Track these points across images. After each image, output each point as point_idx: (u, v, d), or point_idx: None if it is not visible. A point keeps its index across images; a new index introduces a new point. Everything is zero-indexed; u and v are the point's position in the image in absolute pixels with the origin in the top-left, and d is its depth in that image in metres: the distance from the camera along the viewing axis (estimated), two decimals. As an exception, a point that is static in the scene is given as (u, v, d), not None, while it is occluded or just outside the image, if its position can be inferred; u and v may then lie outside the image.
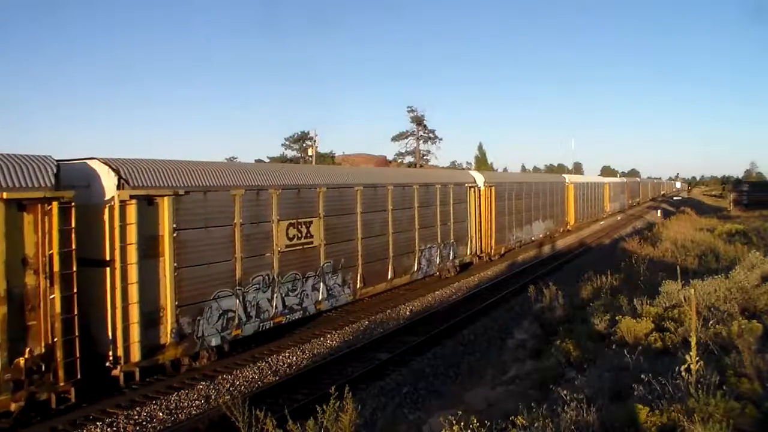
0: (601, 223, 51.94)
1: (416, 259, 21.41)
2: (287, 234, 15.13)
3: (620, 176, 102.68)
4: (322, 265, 16.38)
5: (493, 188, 27.70)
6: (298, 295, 15.52)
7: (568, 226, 42.74)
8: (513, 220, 30.91)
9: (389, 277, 19.76)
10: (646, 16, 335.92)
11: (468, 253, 25.65)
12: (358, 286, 18.02)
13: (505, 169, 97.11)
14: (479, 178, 27.31)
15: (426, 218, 22.23)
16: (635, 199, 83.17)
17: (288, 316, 15.15)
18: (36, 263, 9.72)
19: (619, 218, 58.09)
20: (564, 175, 48.75)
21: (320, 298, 16.30)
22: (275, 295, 14.64)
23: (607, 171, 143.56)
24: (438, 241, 22.95)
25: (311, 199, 16.09)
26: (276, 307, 14.65)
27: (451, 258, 24.01)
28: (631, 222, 53.30)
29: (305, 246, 15.81)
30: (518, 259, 29.84)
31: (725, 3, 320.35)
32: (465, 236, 25.41)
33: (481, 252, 26.98)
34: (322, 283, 16.34)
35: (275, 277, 14.65)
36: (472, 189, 26.20)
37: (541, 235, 36.07)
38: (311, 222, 15.98)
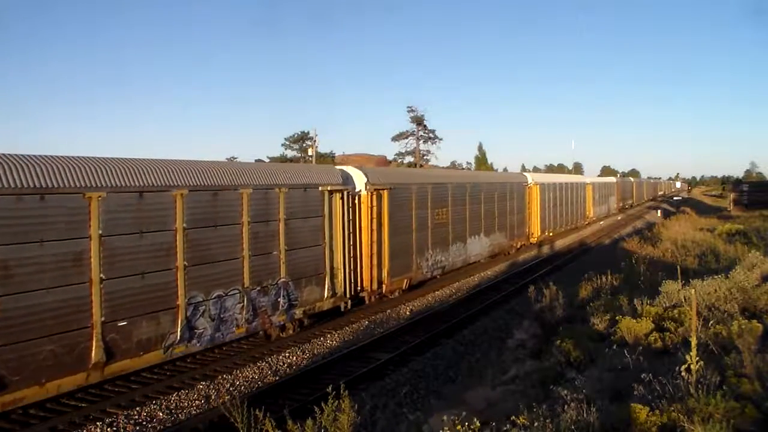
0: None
1: (180, 319, 11.93)
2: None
3: (620, 176, 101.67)
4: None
5: (384, 192, 18.81)
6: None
7: (532, 239, 34.11)
8: (428, 237, 21.78)
9: (90, 365, 10.34)
10: (646, 16, 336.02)
11: (327, 295, 16.09)
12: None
13: (505, 169, 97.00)
14: (356, 178, 18.09)
15: (213, 248, 12.72)
16: (627, 202, 73.42)
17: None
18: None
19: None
20: (526, 173, 38.56)
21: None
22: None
23: (607, 171, 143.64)
24: (244, 282, 13.48)
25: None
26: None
27: (283, 308, 14.65)
28: (631, 222, 53.24)
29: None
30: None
31: (725, 3, 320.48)
32: (320, 268, 15.86)
33: (361, 289, 18.05)
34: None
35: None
36: (339, 195, 16.57)
37: (485, 254, 27.43)
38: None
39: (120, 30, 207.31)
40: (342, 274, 16.70)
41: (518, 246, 32.07)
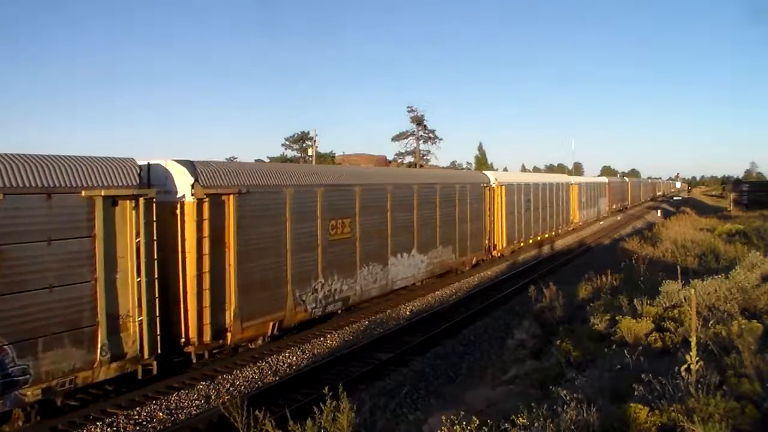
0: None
1: None
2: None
3: (620, 176, 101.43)
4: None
5: (229, 198, 12.99)
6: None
7: (495, 252, 28.14)
8: (318, 259, 15.70)
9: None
10: (646, 16, 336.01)
11: (102, 359, 10.48)
12: None
13: (505, 169, 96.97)
14: (177, 177, 12.30)
15: None
16: (622, 203, 66.94)
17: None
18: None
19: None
20: (488, 172, 31.90)
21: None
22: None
23: (607, 171, 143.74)
24: None
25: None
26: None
27: None
28: (630, 222, 53.24)
29: None
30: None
31: (725, 3, 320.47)
32: (83, 318, 10.25)
33: (185, 342, 12.31)
34: None
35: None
36: (130, 204, 10.94)
37: (421, 276, 21.44)
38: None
39: (120, 30, 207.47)
40: (137, 324, 11.00)
41: (474, 262, 25.75)
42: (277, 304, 14.40)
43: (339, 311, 17.01)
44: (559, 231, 38.90)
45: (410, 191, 20.75)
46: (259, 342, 14.08)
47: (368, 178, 19.40)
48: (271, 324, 14.22)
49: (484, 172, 32.21)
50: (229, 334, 13.11)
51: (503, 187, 28.82)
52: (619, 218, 57.25)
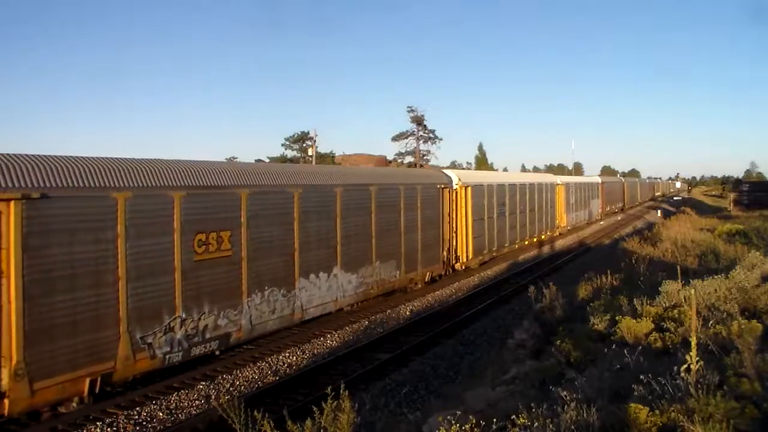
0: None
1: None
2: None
3: (620, 176, 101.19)
4: None
5: (20, 209, 9.31)
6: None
7: (458, 265, 24.15)
8: (176, 288, 11.96)
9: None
10: (645, 16, 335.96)
11: None
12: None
13: (505, 169, 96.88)
14: None
15: None
16: (616, 205, 62.75)
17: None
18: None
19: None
20: (449, 170, 27.51)
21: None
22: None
23: (607, 171, 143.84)
24: None
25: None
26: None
27: None
28: (630, 222, 53.23)
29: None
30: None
31: (725, 3, 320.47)
32: None
33: None
34: None
35: None
36: None
37: (348, 299, 17.24)
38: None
39: (120, 29, 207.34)
40: None
41: (427, 279, 21.60)
42: (100, 353, 10.51)
43: (216, 352, 13.03)
44: (542, 237, 35.55)
45: (331, 195, 16.52)
46: (74, 405, 10.32)
47: (261, 177, 14.59)
48: (88, 381, 10.29)
49: (445, 171, 26.83)
50: (6, 401, 9.24)
51: (469, 188, 24.91)
52: (619, 218, 57.20)
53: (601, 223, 51.03)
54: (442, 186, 23.12)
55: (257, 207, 13.92)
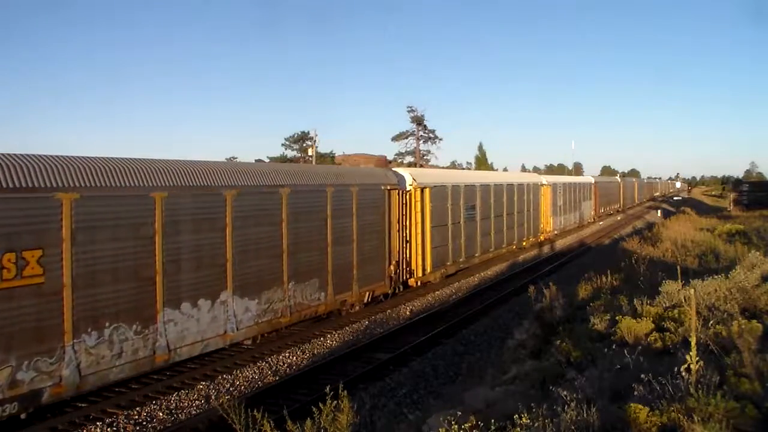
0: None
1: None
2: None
3: (620, 176, 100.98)
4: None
5: None
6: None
7: (412, 281, 20.72)
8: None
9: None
10: (646, 16, 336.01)
11: None
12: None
13: (505, 169, 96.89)
14: None
15: None
16: (612, 207, 59.06)
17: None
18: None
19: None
20: (402, 170, 22.48)
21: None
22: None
23: (607, 171, 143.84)
24: None
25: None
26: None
27: None
28: (630, 222, 53.21)
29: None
30: None
31: (725, 3, 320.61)
32: None
33: None
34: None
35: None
36: None
37: (244, 333, 13.55)
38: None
39: (120, 29, 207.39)
40: None
41: (366, 299, 18.01)
42: None
43: (21, 416, 9.36)
44: (524, 244, 32.62)
45: (218, 200, 12.74)
46: None
47: (100, 175, 10.40)
48: None
49: (396, 169, 22.48)
50: None
51: (427, 189, 21.21)
52: (618, 218, 57.14)
53: (600, 223, 50.95)
54: (389, 187, 19.12)
55: (89, 218, 10.11)
